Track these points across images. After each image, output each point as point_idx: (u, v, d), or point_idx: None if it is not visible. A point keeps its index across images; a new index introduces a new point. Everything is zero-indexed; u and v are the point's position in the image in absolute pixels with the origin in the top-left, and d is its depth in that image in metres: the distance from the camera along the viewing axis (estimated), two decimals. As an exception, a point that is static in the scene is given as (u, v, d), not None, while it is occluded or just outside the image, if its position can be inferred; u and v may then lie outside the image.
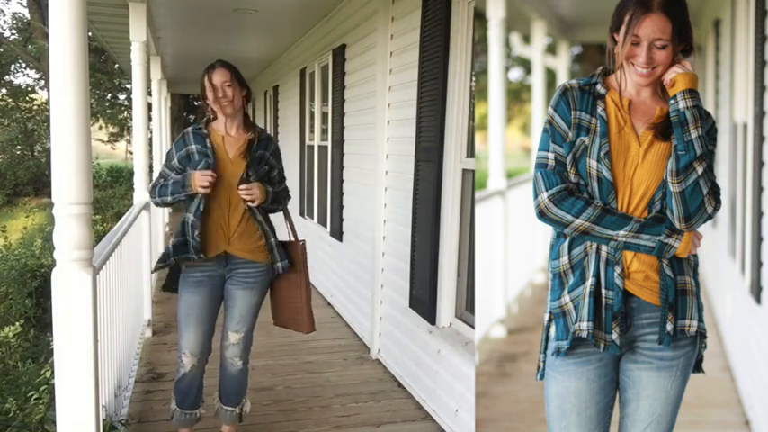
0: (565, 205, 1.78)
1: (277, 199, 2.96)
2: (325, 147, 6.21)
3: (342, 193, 5.59)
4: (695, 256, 1.85)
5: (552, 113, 1.85)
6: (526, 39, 7.16)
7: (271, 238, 2.93)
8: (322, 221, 6.46)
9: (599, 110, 1.81)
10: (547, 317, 1.90)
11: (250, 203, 2.83)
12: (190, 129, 2.92)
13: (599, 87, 1.84)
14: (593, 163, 1.78)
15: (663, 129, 1.77)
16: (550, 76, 8.15)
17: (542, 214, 1.81)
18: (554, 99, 1.86)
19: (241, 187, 2.80)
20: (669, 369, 1.84)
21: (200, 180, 2.73)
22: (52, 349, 2.16)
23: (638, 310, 1.81)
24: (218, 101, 2.81)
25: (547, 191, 1.81)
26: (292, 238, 3.02)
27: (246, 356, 3.01)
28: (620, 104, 1.82)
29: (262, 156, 2.92)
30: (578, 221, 1.77)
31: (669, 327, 1.78)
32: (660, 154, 1.78)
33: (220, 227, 2.84)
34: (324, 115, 6.46)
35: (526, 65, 7.58)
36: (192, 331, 2.86)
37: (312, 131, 6.99)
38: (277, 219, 3.04)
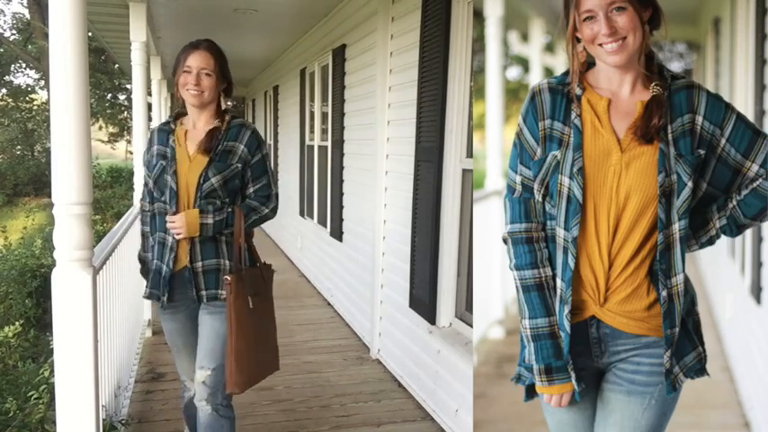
0: (516, 251, 1.65)
1: (230, 222, 2.39)
2: (325, 147, 6.21)
3: (342, 193, 5.59)
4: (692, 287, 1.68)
5: (521, 124, 1.64)
6: (524, 37, 7.15)
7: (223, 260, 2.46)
8: (322, 221, 6.47)
9: (573, 116, 1.59)
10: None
11: (176, 236, 2.37)
12: (156, 126, 2.53)
13: (576, 87, 1.60)
14: (565, 180, 1.57)
15: (643, 130, 1.54)
16: (549, 74, 8.15)
17: (505, 243, 1.70)
18: (524, 106, 1.64)
19: (167, 218, 2.39)
20: (641, 396, 1.63)
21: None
22: (52, 349, 2.15)
23: (612, 337, 1.64)
24: (186, 87, 2.37)
25: (509, 224, 1.66)
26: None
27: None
28: (596, 106, 1.59)
29: (231, 148, 2.41)
30: (516, 273, 1.66)
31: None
32: (648, 161, 1.54)
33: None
34: (324, 115, 6.46)
35: (524, 63, 7.56)
36: None
37: (312, 131, 7.00)
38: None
